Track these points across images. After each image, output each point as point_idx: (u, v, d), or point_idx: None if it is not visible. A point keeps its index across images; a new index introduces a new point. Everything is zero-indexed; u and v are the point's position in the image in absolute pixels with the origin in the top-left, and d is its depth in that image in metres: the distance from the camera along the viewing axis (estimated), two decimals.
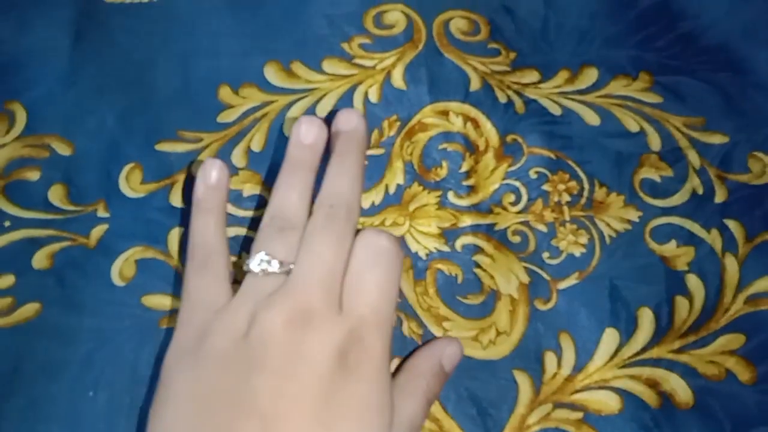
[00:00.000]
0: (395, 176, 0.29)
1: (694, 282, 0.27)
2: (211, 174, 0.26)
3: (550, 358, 0.26)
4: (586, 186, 0.29)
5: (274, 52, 0.31)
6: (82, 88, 0.30)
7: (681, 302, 0.27)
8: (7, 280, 0.26)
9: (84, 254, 0.27)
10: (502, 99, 0.31)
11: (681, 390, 0.25)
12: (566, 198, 0.29)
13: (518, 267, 0.27)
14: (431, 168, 0.29)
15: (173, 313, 0.26)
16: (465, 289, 0.27)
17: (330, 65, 0.31)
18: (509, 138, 0.30)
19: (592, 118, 0.30)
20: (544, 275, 0.27)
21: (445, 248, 0.28)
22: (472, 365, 0.26)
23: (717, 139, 0.30)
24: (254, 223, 0.28)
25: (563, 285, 0.27)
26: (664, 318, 0.26)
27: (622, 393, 0.25)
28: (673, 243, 0.28)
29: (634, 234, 0.28)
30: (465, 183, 0.29)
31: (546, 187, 0.29)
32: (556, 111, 0.30)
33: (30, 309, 0.26)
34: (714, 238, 0.28)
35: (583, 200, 0.29)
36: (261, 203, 0.28)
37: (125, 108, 0.30)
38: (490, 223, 0.28)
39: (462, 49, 0.32)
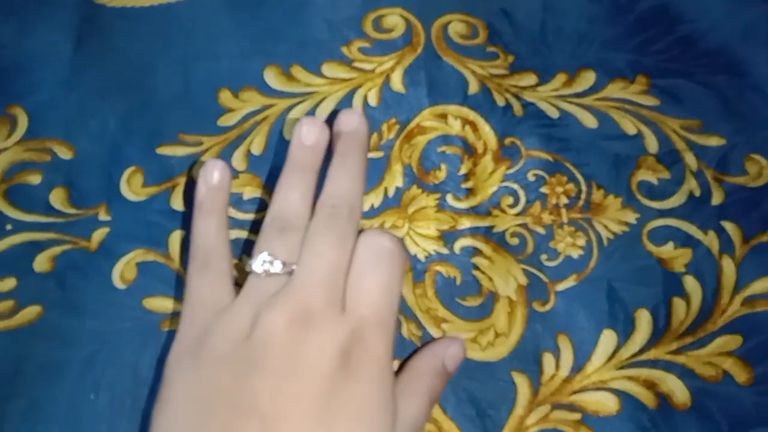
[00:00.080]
0: (394, 179, 0.29)
1: (691, 283, 0.27)
2: (213, 174, 0.26)
3: (548, 360, 0.26)
4: (584, 188, 0.29)
5: (274, 56, 0.32)
6: (84, 91, 0.31)
7: (678, 304, 0.27)
8: (9, 283, 0.27)
9: (85, 257, 0.27)
10: (501, 102, 0.31)
11: (678, 391, 0.25)
12: (564, 200, 0.29)
13: (516, 269, 0.28)
14: (430, 171, 0.29)
15: (174, 315, 0.26)
16: (464, 290, 0.27)
17: (329, 69, 0.31)
18: (507, 141, 0.30)
19: (590, 121, 0.30)
20: (543, 277, 0.27)
21: (444, 250, 0.28)
22: (471, 367, 0.26)
23: (714, 141, 0.30)
24: (255, 226, 0.28)
25: (561, 287, 0.27)
26: (661, 319, 0.27)
27: (619, 394, 0.25)
28: (670, 245, 0.28)
29: (632, 236, 0.28)
30: (463, 185, 0.29)
31: (544, 189, 0.29)
32: (553, 114, 0.30)
33: (31, 312, 0.26)
34: (711, 240, 0.28)
35: (581, 202, 0.29)
36: (261, 206, 0.28)
37: (126, 112, 0.30)
38: (489, 225, 0.28)
39: (460, 53, 0.32)
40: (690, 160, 0.30)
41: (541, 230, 0.28)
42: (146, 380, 0.25)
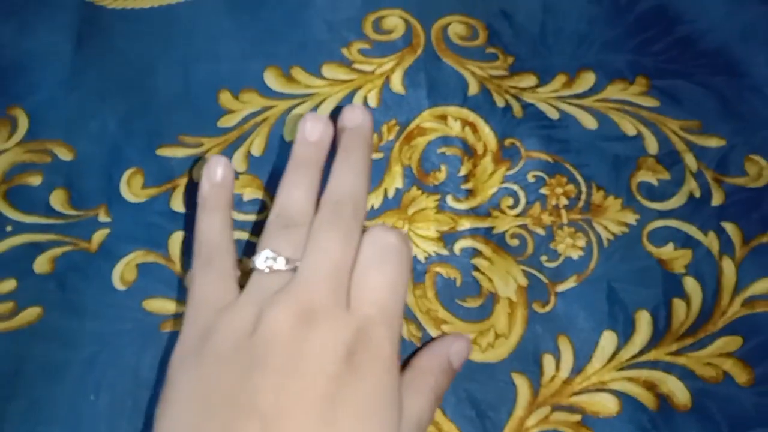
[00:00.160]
0: (394, 180, 0.29)
1: (691, 284, 0.27)
2: (216, 171, 0.26)
3: (548, 361, 0.26)
4: (584, 189, 0.29)
5: (274, 57, 0.32)
6: (84, 92, 0.31)
7: (678, 305, 0.27)
8: (9, 285, 0.27)
9: (85, 258, 0.27)
10: (500, 103, 0.31)
11: (679, 392, 0.25)
12: (564, 201, 0.29)
13: (516, 270, 0.28)
14: (430, 172, 0.29)
15: (174, 317, 0.26)
16: (463, 292, 0.27)
17: (329, 70, 0.31)
18: (507, 142, 0.30)
19: (590, 122, 0.30)
20: (543, 278, 0.27)
21: (444, 251, 0.28)
22: (471, 368, 0.26)
23: (714, 142, 0.30)
24: (255, 228, 0.28)
25: (561, 288, 0.27)
26: (661, 320, 0.27)
27: (620, 395, 0.25)
28: (670, 246, 0.28)
29: (632, 237, 0.28)
30: (463, 187, 0.29)
31: (544, 190, 0.29)
32: (553, 115, 0.30)
33: (31, 313, 0.26)
34: (711, 241, 0.28)
35: (581, 203, 0.29)
36: (262, 207, 0.29)
37: (126, 113, 0.30)
38: (489, 226, 0.28)
39: (460, 54, 0.32)
40: (690, 161, 0.30)
41: (541, 231, 0.28)
42: (146, 381, 0.25)
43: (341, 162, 0.25)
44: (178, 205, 0.28)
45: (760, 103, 0.31)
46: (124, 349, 0.26)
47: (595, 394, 0.25)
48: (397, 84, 0.31)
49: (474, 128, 0.30)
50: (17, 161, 0.29)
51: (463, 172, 0.29)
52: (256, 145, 0.30)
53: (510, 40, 0.32)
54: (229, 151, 0.29)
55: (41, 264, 0.27)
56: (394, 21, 0.33)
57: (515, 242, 0.28)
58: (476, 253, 0.28)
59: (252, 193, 0.29)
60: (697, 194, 0.29)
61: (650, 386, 0.26)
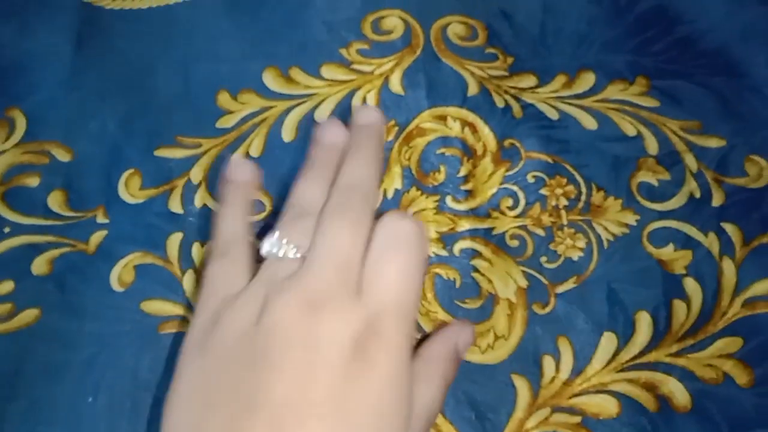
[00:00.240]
0: (393, 181, 0.29)
1: (691, 285, 0.27)
2: (238, 168, 0.26)
3: (548, 362, 0.26)
4: (584, 190, 0.29)
5: (273, 58, 0.32)
6: (83, 93, 0.31)
7: (679, 306, 0.27)
8: (7, 286, 0.27)
9: (83, 260, 0.27)
10: (500, 104, 0.31)
11: (679, 393, 0.25)
12: (564, 202, 0.29)
13: (516, 271, 0.27)
14: (429, 173, 0.29)
15: (172, 318, 0.26)
16: (463, 293, 0.27)
17: (328, 71, 0.31)
18: (507, 142, 0.30)
19: (590, 123, 0.30)
20: (542, 279, 0.27)
21: (443, 252, 0.28)
22: (471, 369, 0.26)
23: (714, 142, 0.30)
24: (253, 229, 0.28)
25: (561, 289, 0.27)
26: (661, 321, 0.27)
27: (620, 397, 0.25)
28: (670, 246, 0.28)
29: (632, 238, 0.28)
30: (463, 187, 0.29)
31: (544, 191, 0.29)
32: (553, 115, 0.30)
33: (29, 315, 0.26)
34: (711, 242, 0.28)
35: (581, 204, 0.29)
36: (260, 208, 0.28)
37: (125, 113, 0.30)
38: (488, 227, 0.28)
39: (460, 54, 0.32)
40: (690, 161, 0.30)
41: (540, 232, 0.28)
42: (145, 383, 0.25)
43: (352, 154, 0.24)
44: (176, 206, 0.28)
45: (760, 104, 0.31)
46: (123, 351, 0.26)
47: (595, 396, 0.25)
48: (396, 84, 0.31)
49: (473, 129, 0.30)
50: (15, 162, 0.29)
51: (462, 172, 0.29)
52: (255, 146, 0.30)
53: (510, 40, 0.32)
54: (227, 152, 0.29)
55: (39, 265, 0.27)
56: (394, 21, 0.33)
57: (515, 243, 0.28)
58: (476, 254, 0.28)
59: None
60: (698, 195, 0.29)
61: (650, 387, 0.25)
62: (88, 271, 0.27)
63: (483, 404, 0.25)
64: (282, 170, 0.29)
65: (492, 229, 0.28)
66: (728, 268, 0.27)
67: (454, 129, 0.30)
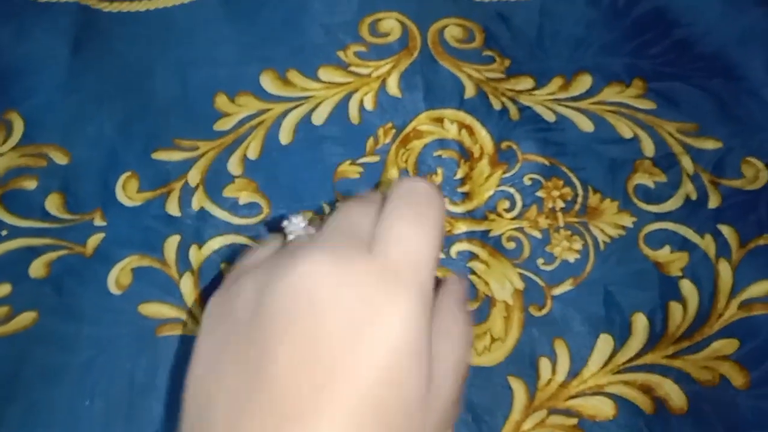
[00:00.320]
0: (390, 183, 0.29)
1: (687, 287, 0.27)
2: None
3: (544, 364, 0.26)
4: (580, 192, 0.29)
5: (270, 61, 0.32)
6: (81, 96, 0.31)
7: (675, 308, 0.27)
8: (4, 289, 0.27)
9: (81, 263, 0.27)
10: (497, 106, 0.31)
11: (675, 395, 0.25)
12: (560, 204, 0.29)
13: (513, 273, 0.28)
14: (426, 175, 0.29)
15: (170, 321, 0.26)
16: None
17: (326, 73, 0.31)
18: (504, 145, 0.30)
19: (586, 125, 0.30)
20: (539, 281, 0.27)
21: (440, 255, 0.28)
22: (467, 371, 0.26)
23: (710, 144, 0.30)
24: (251, 231, 0.28)
25: (558, 291, 0.27)
26: (658, 323, 0.27)
27: (616, 399, 0.25)
28: (666, 248, 0.28)
29: (628, 240, 0.28)
30: (460, 190, 0.29)
31: (540, 193, 0.29)
32: (550, 118, 0.30)
33: (27, 318, 0.26)
34: (708, 244, 0.28)
35: (578, 206, 0.29)
36: (257, 211, 0.28)
37: (123, 116, 0.30)
38: (485, 229, 0.28)
39: (457, 57, 0.32)
40: (686, 163, 0.30)
41: (537, 234, 0.28)
42: (142, 385, 0.25)
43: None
44: (173, 209, 0.28)
45: (756, 106, 0.31)
46: (120, 354, 0.26)
47: (592, 398, 0.25)
48: (393, 87, 0.31)
49: (470, 131, 0.30)
50: (12, 165, 0.29)
51: (459, 175, 0.29)
52: (252, 149, 0.30)
53: (507, 42, 0.32)
54: (225, 155, 0.29)
55: (36, 268, 0.27)
56: (391, 24, 0.33)
57: (511, 245, 0.28)
58: (472, 256, 0.28)
59: (248, 196, 0.29)
60: (694, 197, 0.29)
61: (646, 390, 0.25)
62: (86, 274, 0.27)
63: (479, 406, 0.25)
64: (279, 173, 0.29)
65: (489, 231, 0.28)
66: (724, 270, 0.28)
67: (451, 131, 0.30)
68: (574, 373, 0.26)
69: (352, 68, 0.31)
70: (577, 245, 0.28)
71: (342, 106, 0.31)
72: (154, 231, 0.28)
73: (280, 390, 0.17)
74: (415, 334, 0.18)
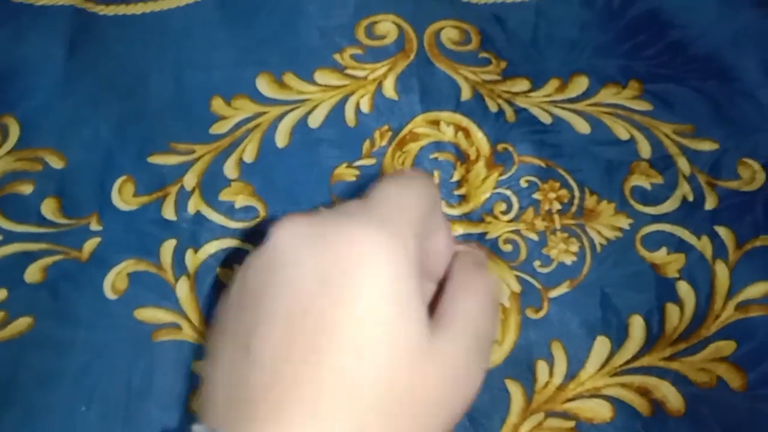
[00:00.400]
0: None
1: (684, 289, 0.27)
2: None
3: (542, 367, 0.26)
4: (577, 194, 0.29)
5: (267, 64, 0.32)
6: (77, 99, 0.31)
7: (672, 309, 0.27)
8: (0, 295, 0.27)
9: (77, 267, 0.27)
10: (493, 108, 0.31)
11: (672, 397, 0.25)
12: (557, 206, 0.29)
13: (510, 276, 0.27)
14: None
15: (166, 326, 0.26)
16: None
17: (322, 76, 0.31)
18: (500, 147, 0.30)
19: (582, 127, 0.30)
20: (536, 284, 0.27)
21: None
22: None
23: (707, 146, 0.30)
24: (247, 235, 0.28)
25: (554, 293, 0.27)
26: (655, 325, 0.27)
27: (613, 401, 0.25)
28: (663, 250, 0.28)
29: (625, 241, 0.28)
30: (456, 192, 0.29)
31: (537, 195, 0.29)
32: (546, 120, 0.30)
33: (23, 323, 0.26)
34: (704, 245, 0.28)
35: (574, 208, 0.29)
36: (254, 215, 0.28)
37: (119, 119, 0.30)
38: (482, 232, 0.28)
39: (453, 59, 0.32)
40: (683, 164, 0.30)
41: (534, 236, 0.28)
42: (139, 390, 0.25)
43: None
44: (169, 212, 0.28)
45: (751, 108, 0.31)
46: (117, 358, 0.26)
47: (589, 400, 0.25)
48: (389, 89, 0.31)
49: (467, 133, 0.30)
50: (8, 170, 0.29)
51: (455, 177, 0.29)
52: (249, 152, 0.30)
53: (503, 44, 0.32)
54: (221, 158, 0.29)
55: (32, 273, 0.27)
56: (387, 26, 0.33)
57: (508, 248, 0.28)
58: None
59: (244, 200, 0.29)
60: (691, 198, 0.29)
61: (644, 392, 0.25)
62: (82, 278, 0.27)
63: (477, 410, 0.25)
64: (276, 176, 0.29)
65: (485, 233, 0.28)
66: (721, 271, 0.28)
67: (448, 134, 0.30)
68: (571, 375, 0.26)
69: (349, 71, 0.31)
70: (574, 247, 0.28)
71: (338, 108, 0.30)
72: (150, 235, 0.28)
73: (267, 368, 0.17)
74: (396, 282, 0.17)
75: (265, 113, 0.30)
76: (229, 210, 0.28)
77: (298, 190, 0.29)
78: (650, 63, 0.32)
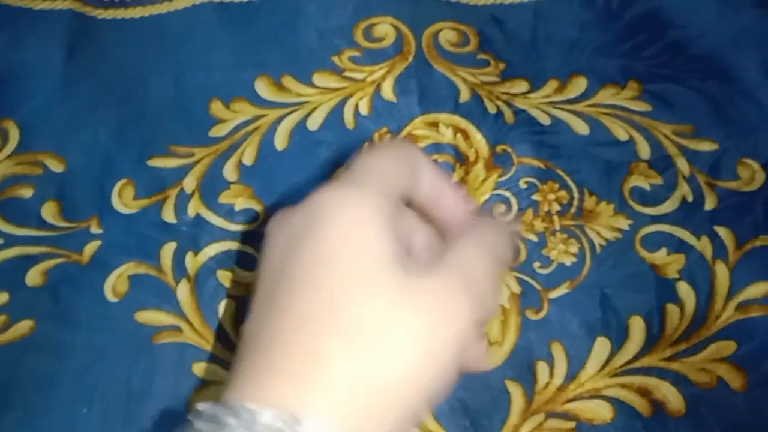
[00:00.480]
0: None
1: (684, 289, 0.27)
2: None
3: (542, 368, 0.26)
4: (576, 195, 0.29)
5: (265, 66, 0.32)
6: (76, 103, 0.31)
7: (672, 310, 0.27)
8: (1, 298, 0.27)
9: (77, 270, 0.27)
10: (492, 109, 0.31)
11: (673, 398, 0.25)
12: (556, 207, 0.29)
13: (509, 277, 0.27)
14: None
15: (166, 329, 0.26)
16: None
17: (320, 78, 0.31)
18: (499, 148, 0.30)
19: (581, 128, 0.30)
20: (536, 285, 0.27)
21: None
22: (465, 376, 0.26)
23: (706, 146, 0.30)
24: (246, 238, 0.28)
25: (554, 294, 0.27)
26: (655, 326, 0.27)
27: (614, 402, 0.25)
28: (663, 251, 0.28)
29: (625, 242, 0.28)
30: None
31: (536, 196, 0.29)
32: (545, 121, 0.30)
33: (24, 326, 0.26)
34: (704, 246, 0.28)
35: (573, 209, 0.29)
36: (254, 217, 0.28)
37: (118, 123, 0.30)
38: None
39: (451, 61, 0.32)
40: (682, 165, 0.30)
41: (533, 238, 0.28)
42: (139, 393, 0.25)
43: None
44: (169, 215, 0.28)
45: (751, 108, 0.31)
46: (117, 361, 0.26)
47: (589, 401, 0.25)
48: (388, 91, 0.31)
49: (466, 135, 0.30)
50: (8, 174, 0.29)
51: (454, 179, 0.29)
52: (248, 154, 0.30)
53: (501, 46, 0.32)
54: (220, 161, 0.29)
55: (33, 276, 0.27)
56: (385, 28, 0.33)
57: None
58: None
59: (244, 202, 0.29)
60: (690, 199, 0.29)
61: (644, 392, 0.25)
62: (82, 281, 0.27)
63: (477, 411, 0.25)
64: (275, 178, 0.29)
65: None
66: (721, 271, 0.28)
67: (446, 135, 0.30)
68: (571, 376, 0.26)
69: (347, 73, 0.31)
70: (574, 248, 0.28)
71: (337, 111, 0.31)
72: (150, 238, 0.28)
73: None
74: (358, 225, 0.19)
75: (264, 116, 0.30)
76: (228, 212, 0.28)
77: (298, 193, 0.29)
78: (650, 63, 0.32)
